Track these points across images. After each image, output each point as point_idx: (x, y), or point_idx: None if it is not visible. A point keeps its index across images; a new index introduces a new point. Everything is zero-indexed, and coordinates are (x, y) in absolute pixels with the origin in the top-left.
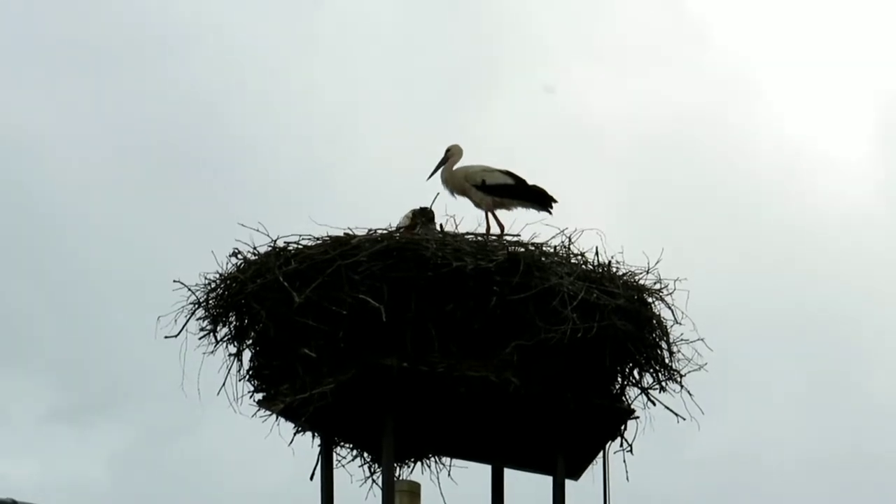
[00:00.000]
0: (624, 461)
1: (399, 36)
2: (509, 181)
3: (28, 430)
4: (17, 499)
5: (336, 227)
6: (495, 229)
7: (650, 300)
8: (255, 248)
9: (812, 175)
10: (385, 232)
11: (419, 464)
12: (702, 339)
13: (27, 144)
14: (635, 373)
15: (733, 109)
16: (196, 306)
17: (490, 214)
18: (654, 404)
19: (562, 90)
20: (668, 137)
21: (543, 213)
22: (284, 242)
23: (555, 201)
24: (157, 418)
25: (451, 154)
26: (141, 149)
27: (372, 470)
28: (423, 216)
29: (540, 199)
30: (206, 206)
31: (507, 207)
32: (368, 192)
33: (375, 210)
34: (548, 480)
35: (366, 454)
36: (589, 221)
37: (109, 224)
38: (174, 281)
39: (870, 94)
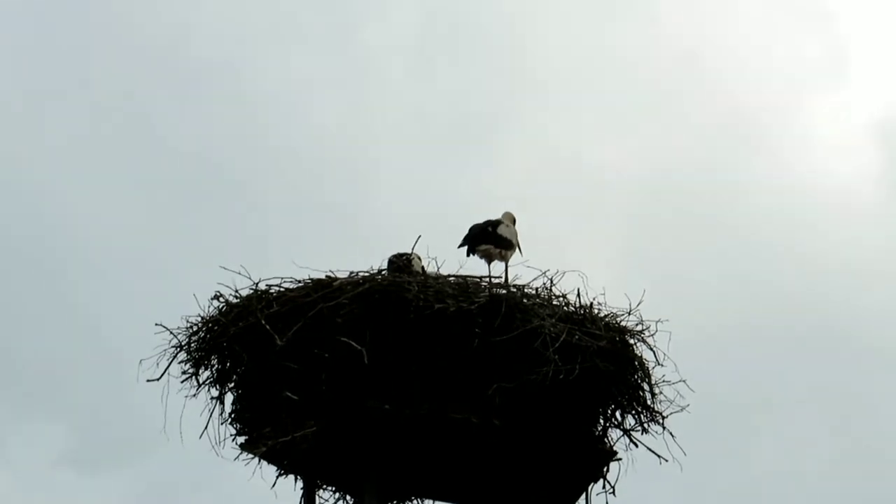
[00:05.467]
0: (606, 502)
1: (409, 80)
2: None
3: (38, 475)
4: None
5: (318, 269)
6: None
7: (632, 341)
8: (236, 291)
9: (798, 215)
10: (367, 274)
11: None
12: (684, 381)
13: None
14: (617, 414)
15: (720, 150)
16: (178, 349)
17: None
18: (637, 446)
19: (558, 131)
20: (652, 179)
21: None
22: (266, 285)
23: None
24: (165, 464)
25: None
26: (125, 190)
27: None
28: (399, 262)
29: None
30: (188, 249)
31: (488, 252)
32: (353, 234)
33: (360, 251)
34: None
35: (349, 497)
36: (570, 263)
37: (102, 266)
38: (156, 324)
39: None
